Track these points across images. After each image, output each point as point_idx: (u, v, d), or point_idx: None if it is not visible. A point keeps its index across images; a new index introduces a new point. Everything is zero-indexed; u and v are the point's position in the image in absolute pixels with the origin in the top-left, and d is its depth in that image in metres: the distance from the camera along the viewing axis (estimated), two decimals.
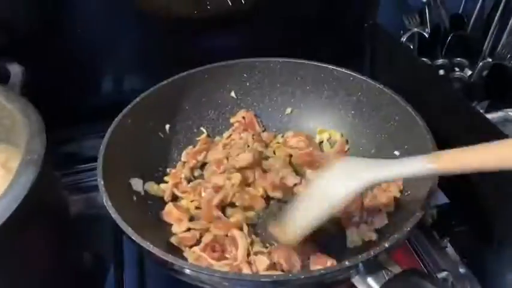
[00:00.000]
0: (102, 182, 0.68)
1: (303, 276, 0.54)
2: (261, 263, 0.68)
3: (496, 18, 0.99)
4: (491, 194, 0.74)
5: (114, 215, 0.63)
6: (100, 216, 0.89)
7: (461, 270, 0.78)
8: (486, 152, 0.53)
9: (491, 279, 0.80)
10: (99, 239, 0.86)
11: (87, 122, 0.98)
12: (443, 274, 0.72)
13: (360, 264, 0.56)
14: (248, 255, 0.70)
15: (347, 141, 0.92)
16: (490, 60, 0.98)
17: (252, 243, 0.72)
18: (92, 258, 0.86)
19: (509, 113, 0.88)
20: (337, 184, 0.60)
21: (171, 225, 0.78)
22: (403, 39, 1.01)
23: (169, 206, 0.78)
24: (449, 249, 0.83)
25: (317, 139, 0.94)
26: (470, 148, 0.54)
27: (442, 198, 0.86)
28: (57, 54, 0.91)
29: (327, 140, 0.94)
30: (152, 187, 0.82)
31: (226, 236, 0.73)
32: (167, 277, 0.68)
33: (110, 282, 0.79)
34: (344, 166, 0.62)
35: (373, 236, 0.72)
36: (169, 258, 0.57)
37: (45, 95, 0.72)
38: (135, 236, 0.59)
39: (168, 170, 0.88)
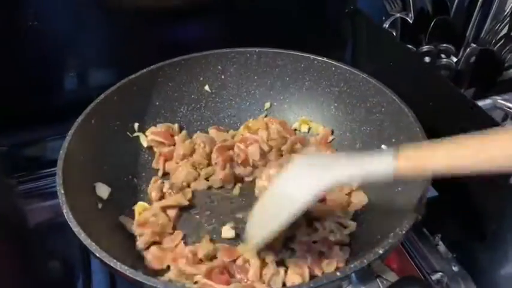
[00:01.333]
0: (63, 192, 0.61)
1: None
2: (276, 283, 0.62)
3: (480, 2, 0.95)
4: (481, 186, 0.70)
5: (76, 229, 0.56)
6: (67, 222, 0.85)
7: (455, 268, 0.74)
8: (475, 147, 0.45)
9: (484, 274, 0.77)
10: (68, 246, 0.79)
11: (50, 123, 0.91)
12: (438, 275, 0.68)
13: (353, 275, 0.51)
14: (260, 275, 0.63)
15: (332, 132, 0.87)
16: (474, 45, 0.94)
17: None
18: (60, 266, 0.80)
19: (498, 100, 0.84)
20: (296, 187, 0.53)
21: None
22: (386, 25, 0.95)
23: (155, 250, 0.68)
24: (441, 247, 0.79)
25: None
26: (446, 143, 0.47)
27: (430, 191, 0.82)
28: (13, 51, 0.82)
29: (308, 133, 0.88)
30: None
31: (234, 261, 0.66)
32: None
33: None
34: (302, 166, 0.55)
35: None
36: (140, 278, 0.50)
37: (1, 95, 0.64)
38: (102, 256, 0.53)
39: (137, 176, 0.80)
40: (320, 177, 0.52)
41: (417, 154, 0.48)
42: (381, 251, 0.52)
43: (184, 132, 0.86)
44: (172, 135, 0.85)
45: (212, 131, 0.87)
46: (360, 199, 0.73)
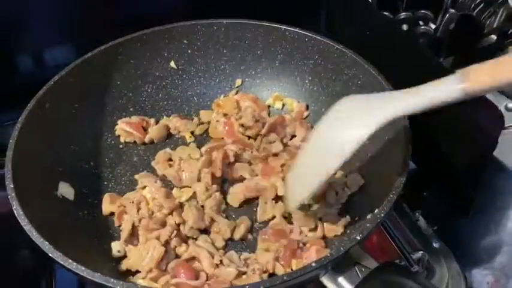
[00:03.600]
0: (12, 186, 0.55)
1: (261, 287, 0.45)
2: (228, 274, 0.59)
3: None
4: (461, 158, 0.68)
5: (26, 226, 0.51)
6: None
7: (435, 245, 0.72)
8: None
9: (465, 248, 0.77)
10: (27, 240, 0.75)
11: (4, 107, 0.84)
12: (419, 254, 0.66)
13: (329, 264, 0.48)
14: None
15: (307, 107, 0.82)
16: (453, 11, 0.90)
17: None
18: (31, 255, 0.74)
19: None
20: (346, 127, 0.50)
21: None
22: None
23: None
24: (421, 222, 0.77)
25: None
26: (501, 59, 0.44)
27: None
28: None
29: (282, 109, 0.84)
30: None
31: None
32: None
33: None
34: (350, 106, 0.52)
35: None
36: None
37: None
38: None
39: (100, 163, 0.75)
40: (376, 112, 0.48)
41: (484, 68, 0.45)
42: (358, 237, 0.49)
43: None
44: (145, 129, 0.79)
45: (175, 119, 0.81)
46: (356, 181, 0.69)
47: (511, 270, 0.76)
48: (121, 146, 0.78)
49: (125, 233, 0.64)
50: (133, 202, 0.67)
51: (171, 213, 0.66)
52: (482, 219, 0.73)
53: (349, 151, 0.49)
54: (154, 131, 0.78)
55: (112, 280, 0.46)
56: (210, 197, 0.68)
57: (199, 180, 0.71)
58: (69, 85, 0.72)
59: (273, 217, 0.67)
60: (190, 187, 0.71)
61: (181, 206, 0.68)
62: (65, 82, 0.71)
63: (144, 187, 0.70)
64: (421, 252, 0.67)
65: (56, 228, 0.56)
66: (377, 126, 0.48)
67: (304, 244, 0.63)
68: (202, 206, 0.68)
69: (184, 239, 0.65)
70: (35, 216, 0.53)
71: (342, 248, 0.48)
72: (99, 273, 0.46)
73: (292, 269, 0.59)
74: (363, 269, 0.49)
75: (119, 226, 0.67)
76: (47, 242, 0.49)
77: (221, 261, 0.61)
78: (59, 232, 0.56)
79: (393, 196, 0.53)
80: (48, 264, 0.70)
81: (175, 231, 0.63)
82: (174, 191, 0.71)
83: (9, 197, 0.54)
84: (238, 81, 0.86)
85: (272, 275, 0.60)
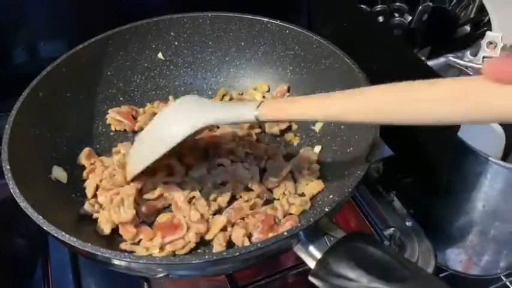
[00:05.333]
0: (8, 167, 0.59)
1: (237, 253, 0.49)
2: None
3: None
4: (433, 141, 0.72)
5: (22, 203, 0.55)
6: None
7: (408, 223, 0.76)
8: (322, 102, 0.53)
9: (438, 228, 0.81)
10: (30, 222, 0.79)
11: None
12: (390, 231, 0.71)
13: (301, 233, 0.52)
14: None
15: (288, 89, 0.86)
16: (430, 3, 0.94)
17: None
18: (26, 244, 0.79)
19: (451, 58, 0.85)
20: (178, 122, 0.62)
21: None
22: None
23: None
24: (396, 203, 0.81)
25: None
26: (305, 98, 0.56)
27: (387, 151, 0.84)
28: None
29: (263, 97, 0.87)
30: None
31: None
32: None
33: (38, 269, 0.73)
34: (187, 105, 0.64)
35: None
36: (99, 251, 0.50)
37: None
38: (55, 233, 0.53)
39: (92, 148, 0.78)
40: (198, 116, 0.60)
41: (276, 103, 0.59)
42: (326, 209, 0.53)
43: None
44: (134, 117, 0.83)
45: (161, 105, 0.85)
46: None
47: (481, 248, 0.80)
48: (112, 134, 0.82)
49: (90, 190, 0.70)
50: (103, 165, 0.73)
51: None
52: (453, 200, 0.76)
53: (173, 143, 0.61)
54: (143, 119, 0.82)
55: (101, 249, 0.50)
56: None
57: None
58: (62, 75, 0.75)
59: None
60: None
61: None
62: (57, 72, 0.74)
63: (118, 152, 0.76)
64: (393, 228, 0.71)
65: (50, 207, 0.60)
66: (196, 128, 0.60)
67: (279, 220, 0.67)
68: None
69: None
70: (31, 196, 0.57)
71: (311, 219, 0.52)
72: (89, 244, 0.50)
73: None
74: (331, 239, 0.53)
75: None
76: (41, 217, 0.53)
77: (193, 197, 0.68)
78: (52, 210, 0.60)
79: (360, 173, 0.57)
80: (43, 250, 0.74)
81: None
82: None
83: (6, 177, 0.58)
84: (223, 71, 0.89)
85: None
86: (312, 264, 0.52)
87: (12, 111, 0.67)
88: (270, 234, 0.64)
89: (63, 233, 0.52)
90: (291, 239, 0.52)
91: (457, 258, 0.83)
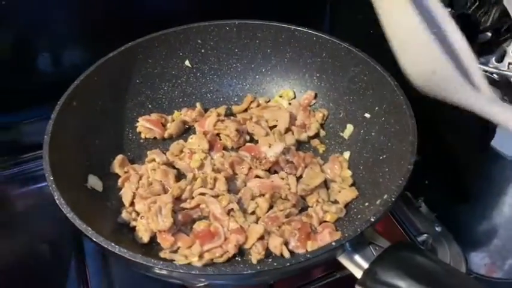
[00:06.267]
0: (52, 178, 0.60)
1: (288, 264, 0.50)
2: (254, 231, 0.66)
3: None
4: (463, 148, 0.73)
5: (69, 214, 0.56)
6: (52, 206, 0.84)
7: (438, 229, 0.77)
8: None
9: (465, 233, 0.81)
10: (54, 229, 0.79)
11: (25, 106, 0.89)
12: (423, 237, 0.71)
13: (347, 244, 0.53)
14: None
15: (315, 96, 0.87)
16: (451, 9, 0.94)
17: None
18: (50, 250, 0.80)
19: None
20: None
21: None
22: None
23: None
24: (423, 209, 0.82)
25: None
26: None
27: None
28: None
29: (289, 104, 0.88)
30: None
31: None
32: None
33: (72, 273, 0.74)
34: None
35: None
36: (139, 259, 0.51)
37: None
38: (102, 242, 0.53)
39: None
40: None
41: None
42: (372, 219, 0.54)
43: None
44: (163, 125, 0.84)
45: (189, 112, 0.86)
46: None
47: (506, 253, 0.81)
48: (141, 141, 0.83)
49: (127, 199, 0.70)
50: (137, 173, 0.74)
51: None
52: (480, 205, 0.77)
53: None
54: (172, 127, 0.83)
55: (153, 260, 0.50)
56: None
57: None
58: (94, 83, 0.76)
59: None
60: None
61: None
62: (89, 81, 0.75)
63: (152, 160, 0.76)
64: (426, 235, 0.72)
65: (90, 217, 0.60)
66: None
67: (316, 228, 0.68)
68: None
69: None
70: (73, 206, 0.57)
71: (358, 229, 0.53)
72: (140, 255, 0.51)
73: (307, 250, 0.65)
74: (377, 248, 0.54)
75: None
76: (90, 228, 0.54)
77: (232, 209, 0.68)
78: (93, 219, 0.60)
79: (403, 181, 0.58)
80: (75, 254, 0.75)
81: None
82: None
83: (50, 187, 0.58)
84: (249, 78, 0.90)
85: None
86: (357, 273, 0.53)
87: (50, 120, 0.67)
88: (309, 242, 0.65)
89: (113, 244, 0.52)
90: (337, 250, 0.53)
91: (481, 262, 0.84)
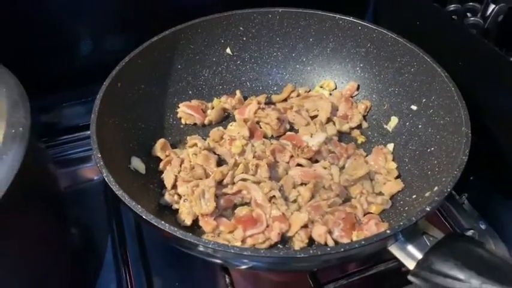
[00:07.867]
0: (99, 155, 0.59)
1: (342, 250, 0.49)
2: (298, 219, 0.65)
3: None
4: (507, 143, 0.70)
5: (118, 192, 0.56)
6: (87, 190, 0.84)
7: (482, 226, 0.75)
8: None
9: (506, 230, 0.79)
10: (89, 213, 0.80)
11: (66, 88, 0.89)
12: (470, 232, 0.69)
13: (399, 233, 0.51)
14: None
15: (358, 87, 0.85)
16: (502, 4, 0.91)
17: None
18: (81, 233, 0.79)
19: None
20: None
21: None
22: None
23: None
24: (466, 205, 0.79)
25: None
26: None
27: None
28: (26, 13, 0.79)
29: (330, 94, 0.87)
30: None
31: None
32: (167, 246, 0.67)
33: (108, 256, 0.73)
34: None
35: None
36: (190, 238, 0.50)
37: (16, 60, 0.61)
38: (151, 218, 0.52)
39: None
40: None
41: None
42: (428, 208, 0.52)
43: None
44: (203, 111, 0.83)
45: (229, 99, 0.85)
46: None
47: None
48: (182, 127, 0.82)
49: (169, 181, 0.70)
50: (178, 157, 0.73)
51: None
52: None
53: None
54: (213, 113, 0.82)
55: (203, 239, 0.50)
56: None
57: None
58: (137, 66, 0.76)
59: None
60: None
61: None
62: (133, 64, 0.75)
63: (193, 145, 0.75)
64: (472, 231, 0.70)
65: (135, 197, 0.59)
66: None
67: (360, 219, 0.67)
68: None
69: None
70: (120, 185, 0.57)
71: (413, 218, 0.51)
72: (190, 234, 0.50)
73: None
74: (431, 238, 0.52)
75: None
76: (139, 206, 0.53)
77: (273, 196, 0.67)
78: (137, 200, 0.59)
79: (457, 172, 0.56)
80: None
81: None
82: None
83: (97, 165, 0.58)
84: (290, 67, 0.89)
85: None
86: (410, 264, 0.51)
87: (96, 100, 0.67)
88: (354, 233, 0.63)
89: (163, 222, 0.51)
90: (389, 240, 0.52)
91: None
